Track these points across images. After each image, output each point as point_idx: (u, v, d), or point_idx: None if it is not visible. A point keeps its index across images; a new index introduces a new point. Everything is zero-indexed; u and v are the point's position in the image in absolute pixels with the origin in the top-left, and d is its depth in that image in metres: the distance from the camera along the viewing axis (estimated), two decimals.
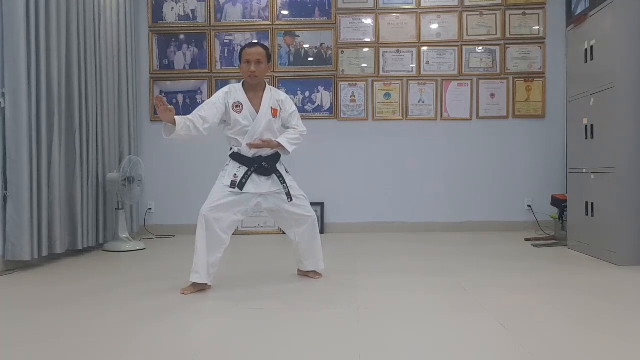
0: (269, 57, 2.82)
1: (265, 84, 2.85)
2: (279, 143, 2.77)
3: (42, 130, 3.50)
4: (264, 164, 2.76)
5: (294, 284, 2.84)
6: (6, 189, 3.28)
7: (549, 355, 1.72)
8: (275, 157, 2.82)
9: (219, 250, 2.69)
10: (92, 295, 2.67)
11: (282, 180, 2.78)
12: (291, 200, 2.79)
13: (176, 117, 2.58)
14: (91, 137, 4.15)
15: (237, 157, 2.78)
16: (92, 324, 2.15)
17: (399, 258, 3.67)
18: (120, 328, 2.10)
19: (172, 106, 2.59)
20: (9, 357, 1.78)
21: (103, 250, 4.22)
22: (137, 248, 4.22)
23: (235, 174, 2.72)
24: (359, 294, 2.58)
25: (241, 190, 2.69)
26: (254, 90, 2.80)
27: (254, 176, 2.74)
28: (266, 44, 5.23)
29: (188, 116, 2.67)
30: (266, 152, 2.78)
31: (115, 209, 4.37)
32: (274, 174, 2.78)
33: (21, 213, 3.28)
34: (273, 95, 2.82)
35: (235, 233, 5.09)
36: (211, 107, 2.71)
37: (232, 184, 2.70)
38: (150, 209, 5.26)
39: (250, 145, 2.74)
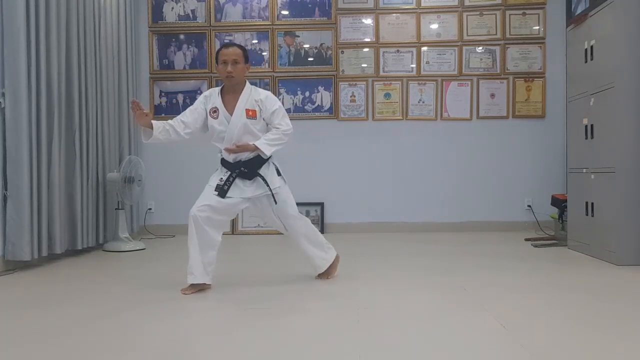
0: (246, 57, 2.75)
1: (245, 84, 2.76)
2: (256, 146, 2.65)
3: (42, 130, 3.50)
4: (242, 168, 2.69)
5: (293, 284, 2.84)
6: (6, 189, 3.28)
7: (549, 355, 1.72)
8: (256, 161, 2.71)
9: (212, 248, 2.67)
10: (92, 295, 2.67)
11: (266, 183, 2.70)
12: (276, 203, 2.72)
13: (154, 121, 2.64)
14: (91, 137, 4.15)
15: (223, 162, 2.77)
16: (92, 323, 2.14)
17: (398, 258, 3.67)
18: (120, 328, 2.10)
19: (147, 110, 2.64)
20: (9, 356, 1.78)
21: (103, 250, 4.22)
22: (137, 248, 4.22)
23: (222, 178, 2.70)
24: (359, 294, 2.58)
25: (222, 197, 2.66)
26: (232, 92, 2.73)
27: (237, 181, 2.70)
28: (266, 44, 5.23)
29: (169, 121, 2.71)
30: (246, 155, 2.69)
31: (115, 209, 4.37)
32: (258, 177, 2.71)
33: (21, 213, 3.28)
34: (251, 96, 2.72)
35: (235, 233, 5.13)
36: (193, 113, 2.75)
37: (217, 187, 2.68)
38: (150, 209, 5.26)
39: (227, 150, 2.69)
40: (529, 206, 5.13)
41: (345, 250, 4.05)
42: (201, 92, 5.25)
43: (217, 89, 2.79)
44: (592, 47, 3.59)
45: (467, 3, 5.18)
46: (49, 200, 3.56)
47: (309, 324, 2.12)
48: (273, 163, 2.79)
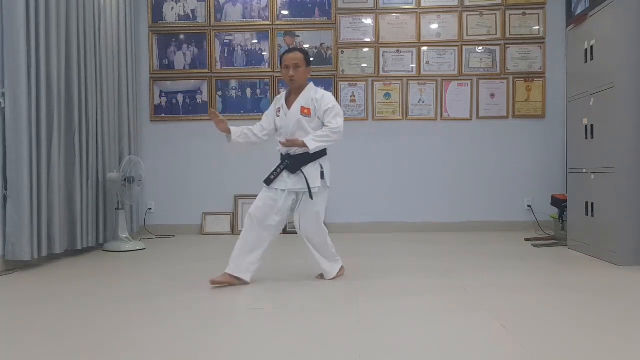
0: (308, 61, 2.89)
1: (307, 86, 2.90)
2: (303, 141, 2.77)
3: (42, 130, 3.50)
4: (286, 161, 2.82)
5: (294, 284, 2.84)
6: (6, 189, 3.28)
7: (549, 355, 1.72)
8: (303, 157, 2.81)
9: (259, 248, 2.79)
10: (91, 295, 2.67)
11: (306, 180, 2.78)
12: (312, 198, 2.79)
13: (235, 127, 2.90)
14: (91, 137, 4.15)
15: (280, 156, 2.91)
16: (91, 323, 2.15)
17: (399, 258, 3.66)
18: (119, 328, 2.10)
19: (223, 117, 2.86)
20: (9, 356, 1.78)
21: (103, 250, 4.22)
22: (137, 248, 4.22)
23: (272, 170, 2.86)
24: (359, 294, 2.58)
25: (267, 185, 2.82)
26: (295, 93, 2.89)
27: (284, 173, 2.83)
28: (266, 44, 5.23)
29: (250, 126, 2.96)
30: (295, 150, 2.81)
31: (115, 209, 4.37)
32: (301, 173, 2.80)
33: (21, 213, 3.28)
34: (310, 95, 2.85)
35: (236, 233, 5.13)
36: (267, 116, 2.99)
37: (266, 178, 2.84)
38: (150, 209, 5.26)
39: (280, 144, 2.84)
40: (529, 206, 5.13)
41: (345, 250, 4.04)
42: (201, 92, 5.29)
43: (285, 93, 2.98)
44: (592, 47, 3.59)
45: (467, 3, 5.18)
46: (49, 200, 3.56)
47: (309, 324, 2.12)
48: (321, 164, 2.87)
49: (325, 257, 2.91)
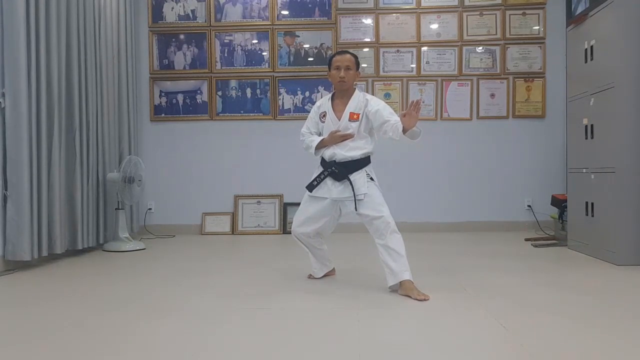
0: (357, 64, 2.84)
1: (354, 91, 2.81)
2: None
3: (42, 130, 3.50)
4: (333, 168, 2.72)
5: (293, 284, 2.84)
6: (6, 189, 3.28)
7: (549, 355, 1.72)
8: (350, 164, 2.71)
9: (320, 246, 2.91)
10: (92, 295, 2.67)
11: (352, 188, 2.67)
12: (356, 210, 2.68)
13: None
14: (91, 137, 4.15)
15: (321, 161, 2.82)
16: (91, 323, 2.15)
17: None
18: (119, 328, 2.10)
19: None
20: (9, 355, 1.78)
21: (103, 250, 4.22)
22: (137, 248, 4.22)
23: (314, 177, 2.80)
24: (359, 294, 2.58)
25: (310, 191, 2.79)
26: (341, 97, 2.80)
27: (328, 181, 2.75)
28: (266, 44, 5.24)
29: (312, 136, 2.87)
30: (340, 157, 2.72)
31: (115, 209, 4.37)
32: (347, 181, 2.69)
33: (21, 213, 3.28)
34: (359, 99, 2.76)
35: (235, 233, 5.13)
36: (311, 122, 2.91)
37: (308, 184, 2.79)
38: (150, 209, 5.27)
39: (331, 135, 2.74)
40: (529, 206, 5.13)
41: (345, 250, 4.06)
42: (201, 92, 5.29)
43: (328, 96, 2.89)
44: (592, 47, 3.59)
45: (467, 3, 5.18)
46: (49, 200, 3.56)
47: (309, 324, 2.12)
48: (366, 171, 2.74)
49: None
